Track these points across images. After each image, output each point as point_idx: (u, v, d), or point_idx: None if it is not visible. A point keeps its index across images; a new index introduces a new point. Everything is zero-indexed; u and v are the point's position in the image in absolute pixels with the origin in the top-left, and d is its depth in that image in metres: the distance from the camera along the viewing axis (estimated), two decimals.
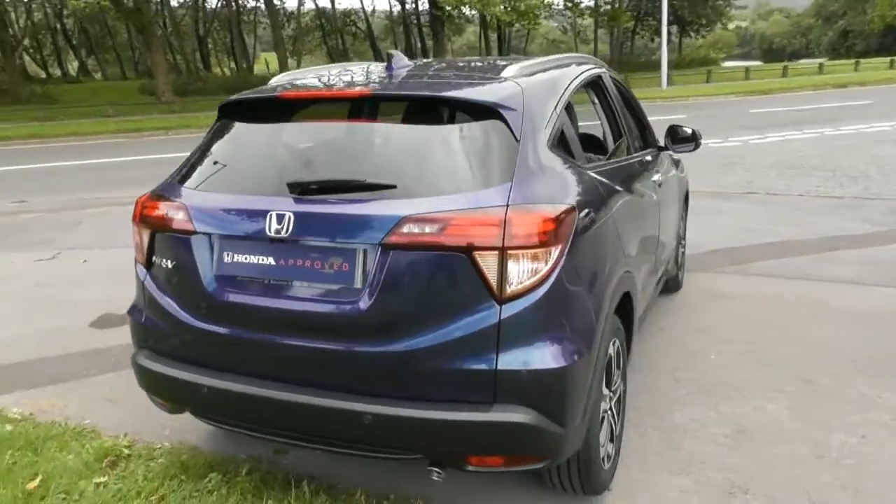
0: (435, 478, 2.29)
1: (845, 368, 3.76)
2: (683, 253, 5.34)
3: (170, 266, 2.50)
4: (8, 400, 3.58)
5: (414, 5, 50.06)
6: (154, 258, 2.56)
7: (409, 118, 2.72)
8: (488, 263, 2.11)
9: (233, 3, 50.95)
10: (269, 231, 2.27)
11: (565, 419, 2.22)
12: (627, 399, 3.13)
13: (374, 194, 2.23)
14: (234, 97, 2.75)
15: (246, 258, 2.34)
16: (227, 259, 2.38)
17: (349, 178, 2.28)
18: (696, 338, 4.29)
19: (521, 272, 2.13)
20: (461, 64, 3.28)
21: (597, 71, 3.42)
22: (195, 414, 2.67)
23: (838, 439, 3.05)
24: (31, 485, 2.67)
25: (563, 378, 2.19)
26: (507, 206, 2.15)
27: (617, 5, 47.59)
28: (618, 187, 2.87)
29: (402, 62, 2.92)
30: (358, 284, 2.21)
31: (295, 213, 2.25)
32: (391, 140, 2.49)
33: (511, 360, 2.14)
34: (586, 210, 2.40)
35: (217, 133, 2.71)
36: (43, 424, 3.22)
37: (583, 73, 3.15)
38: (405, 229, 2.14)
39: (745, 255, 5.97)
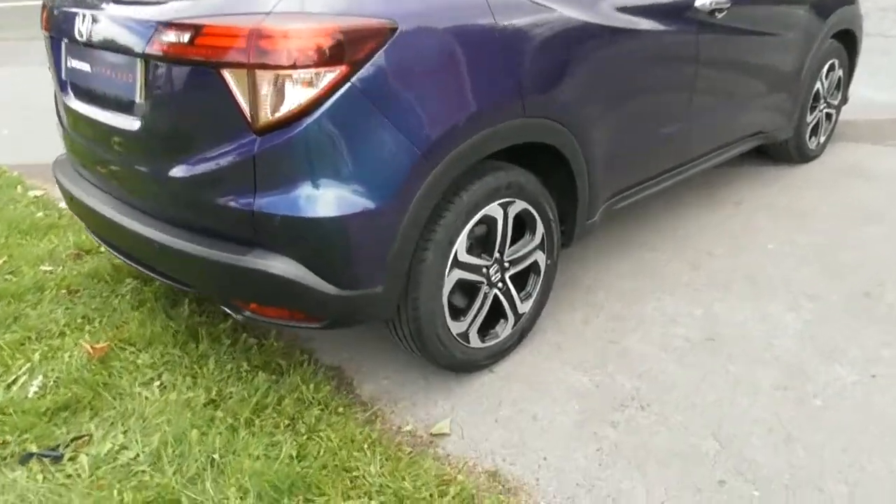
0: (237, 317, 2.13)
1: None
2: (830, 116, 4.15)
3: (51, 71, 2.49)
4: None
5: None
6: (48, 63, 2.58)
7: None
8: (240, 84, 1.75)
9: None
10: (77, 35, 2.12)
11: (340, 279, 1.88)
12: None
13: None
14: None
15: (76, 63, 2.26)
16: (68, 64, 2.30)
17: None
18: (769, 221, 3.38)
19: (278, 98, 1.74)
20: None
21: None
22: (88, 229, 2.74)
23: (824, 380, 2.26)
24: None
25: (331, 231, 1.82)
26: (269, 13, 1.72)
27: None
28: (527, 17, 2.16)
29: None
30: (139, 99, 1.99)
31: (91, 16, 2.07)
32: None
33: (268, 202, 1.81)
34: (422, 27, 1.86)
35: None
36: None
37: None
38: (162, 37, 1.85)
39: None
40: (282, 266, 1.85)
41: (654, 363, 2.37)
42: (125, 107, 2.05)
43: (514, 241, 2.32)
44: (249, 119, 1.76)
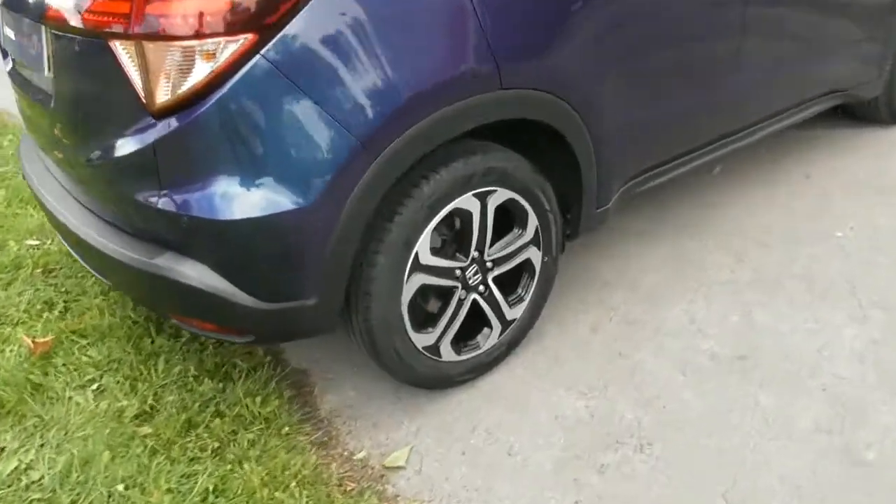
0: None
1: None
2: None
3: None
4: None
5: None
6: None
7: None
8: (131, 57, 1.44)
9: None
10: None
11: (260, 290, 1.58)
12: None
13: None
14: None
15: (7, 30, 1.99)
16: (3, 30, 2.05)
17: None
18: (843, 201, 2.83)
19: (173, 74, 1.41)
20: None
21: None
22: None
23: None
24: None
25: (244, 235, 1.51)
26: None
27: None
28: None
29: None
30: (48, 72, 1.72)
31: None
32: None
33: (173, 200, 1.51)
34: None
35: None
36: None
37: None
38: (54, 3, 1.56)
39: None
40: (193, 274, 1.56)
41: (666, 387, 1.97)
42: (42, 80, 1.79)
43: (500, 236, 1.95)
44: (144, 100, 1.45)
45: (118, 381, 1.98)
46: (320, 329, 1.72)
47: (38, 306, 2.36)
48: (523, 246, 1.98)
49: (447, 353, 1.92)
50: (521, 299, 2.05)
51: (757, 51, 2.40)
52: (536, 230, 1.98)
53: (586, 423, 1.88)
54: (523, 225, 1.96)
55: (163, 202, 1.52)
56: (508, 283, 2.04)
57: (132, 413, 1.86)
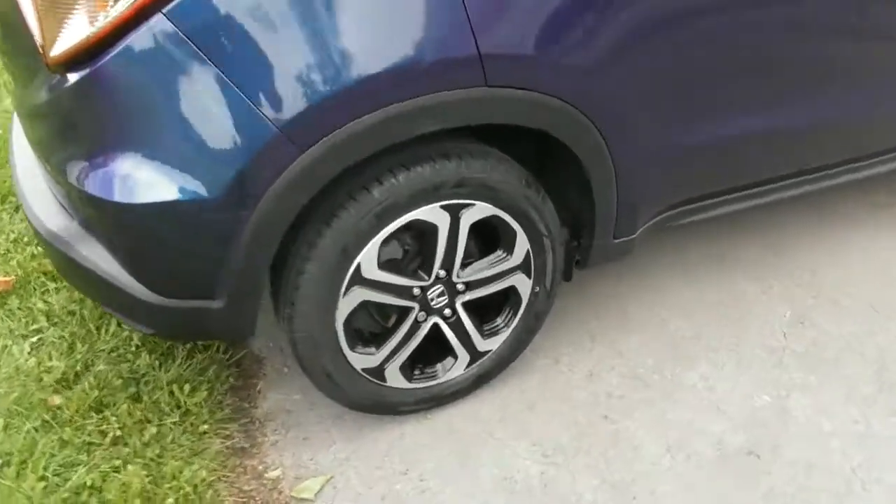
0: None
1: None
2: None
3: None
4: None
5: None
6: None
7: None
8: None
9: None
10: None
11: (156, 285, 1.38)
12: None
13: None
14: None
15: None
16: None
17: None
18: None
19: (63, 22, 1.20)
20: None
21: None
22: None
23: None
24: None
25: (135, 221, 1.30)
26: None
27: None
28: None
29: None
30: None
31: None
32: None
33: (73, 169, 1.31)
34: None
35: None
36: None
37: None
38: None
39: None
40: (90, 255, 1.39)
41: (645, 471, 1.62)
42: None
43: (482, 253, 1.65)
44: (41, 50, 1.25)
45: (60, 337, 1.87)
46: (234, 334, 1.52)
47: (17, 241, 2.28)
48: (508, 271, 1.66)
49: (394, 378, 1.66)
50: (498, 331, 1.74)
51: (861, 67, 1.88)
52: (527, 255, 1.66)
53: (535, 494, 1.57)
54: (510, 247, 1.64)
55: (69, 171, 1.33)
56: (490, 309, 1.75)
57: (56, 377, 1.74)
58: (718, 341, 1.97)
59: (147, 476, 1.50)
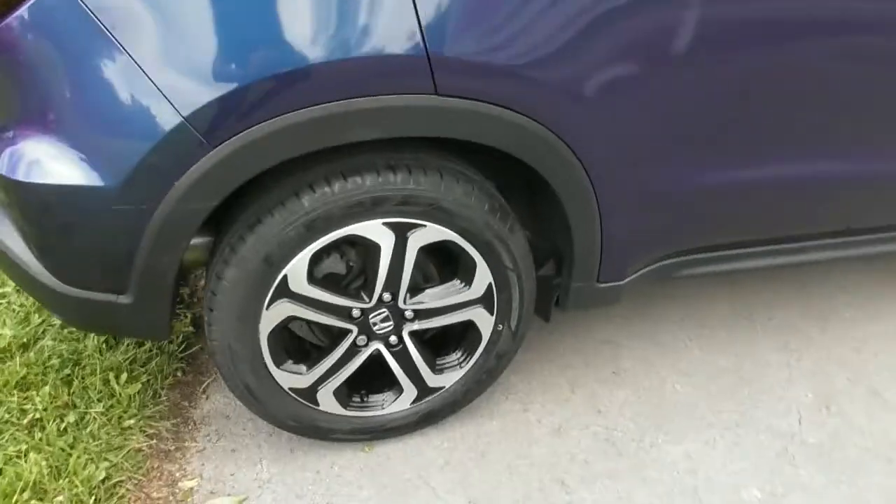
0: None
1: None
2: None
3: None
4: None
5: None
6: None
7: None
8: None
9: None
10: None
11: (60, 272, 1.29)
12: None
13: None
14: None
15: None
16: None
17: None
18: None
19: None
20: None
21: None
22: None
23: None
24: None
25: (32, 201, 1.21)
26: None
27: None
28: None
29: None
30: None
31: None
32: None
33: None
34: None
35: None
36: None
37: None
38: None
39: None
40: (4, 238, 1.32)
41: None
42: None
43: (445, 280, 1.48)
44: None
45: (22, 305, 1.84)
46: (146, 333, 1.42)
47: None
48: (465, 304, 1.48)
49: (328, 403, 1.51)
50: (451, 367, 1.57)
51: None
52: (489, 288, 1.47)
53: None
54: (468, 277, 1.45)
55: None
56: (448, 343, 1.58)
57: (5, 343, 1.71)
58: (717, 415, 1.71)
59: (48, 467, 1.43)
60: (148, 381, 1.69)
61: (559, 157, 1.32)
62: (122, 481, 1.47)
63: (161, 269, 1.26)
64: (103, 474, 1.43)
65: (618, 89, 1.30)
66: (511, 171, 1.40)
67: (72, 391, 1.61)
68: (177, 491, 1.50)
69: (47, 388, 1.59)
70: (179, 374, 1.77)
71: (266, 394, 1.46)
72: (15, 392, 1.59)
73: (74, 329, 1.77)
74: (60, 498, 1.38)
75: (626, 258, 1.54)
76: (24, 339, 1.73)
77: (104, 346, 1.74)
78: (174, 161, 1.16)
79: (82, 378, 1.65)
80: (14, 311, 1.82)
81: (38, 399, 1.57)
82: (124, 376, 1.66)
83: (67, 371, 1.66)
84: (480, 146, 1.30)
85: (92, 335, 1.76)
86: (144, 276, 1.27)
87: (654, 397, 1.75)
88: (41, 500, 1.38)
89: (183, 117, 1.12)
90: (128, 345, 1.76)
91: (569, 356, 1.86)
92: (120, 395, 1.63)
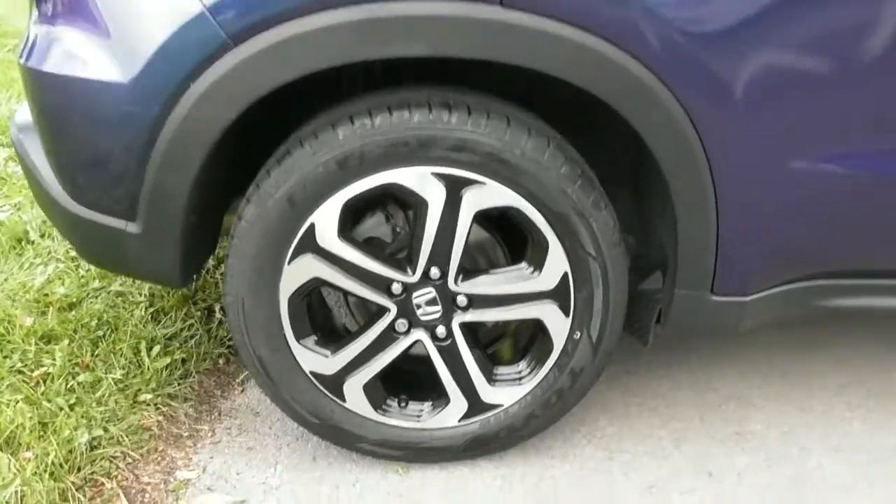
0: None
1: None
2: None
3: None
4: None
5: None
6: None
7: None
8: None
9: None
10: None
11: (69, 183, 1.17)
12: None
13: None
14: None
15: None
16: None
17: None
18: None
19: None
20: None
21: None
22: None
23: None
24: None
25: (46, 94, 1.14)
26: None
27: None
28: None
29: None
30: None
31: None
32: None
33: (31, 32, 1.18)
34: None
35: None
36: None
37: None
38: None
39: None
40: (34, 157, 1.24)
41: None
42: None
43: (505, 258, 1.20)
44: None
45: (88, 270, 1.77)
46: (154, 273, 1.23)
47: None
48: (532, 295, 1.17)
49: (356, 399, 1.24)
50: (514, 380, 1.24)
51: None
52: (564, 279, 1.16)
53: None
54: (538, 260, 1.15)
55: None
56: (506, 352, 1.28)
57: (48, 301, 1.62)
58: None
59: (34, 422, 1.26)
60: (182, 359, 1.52)
61: (663, 110, 1.02)
62: (113, 456, 1.27)
63: (171, 192, 1.09)
64: (85, 438, 1.24)
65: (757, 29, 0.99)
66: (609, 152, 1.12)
67: (96, 353, 1.47)
68: (171, 480, 1.28)
69: (70, 345, 1.46)
70: (221, 361, 1.59)
71: (281, 373, 1.21)
72: (39, 343, 1.47)
73: (130, 298, 1.66)
74: (28, 454, 1.20)
75: (753, 265, 1.16)
76: (74, 300, 1.64)
77: (150, 317, 1.61)
78: (190, 59, 1.00)
79: (113, 343, 1.51)
80: (80, 275, 1.75)
81: (58, 354, 1.44)
82: (157, 349, 1.50)
83: (100, 333, 1.53)
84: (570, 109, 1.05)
85: (142, 306, 1.63)
86: (153, 199, 1.10)
87: (789, 469, 1.30)
88: (14, 454, 1.20)
89: (204, 6, 0.97)
90: (174, 319, 1.61)
91: (679, 406, 1.46)
92: (147, 367, 1.46)
